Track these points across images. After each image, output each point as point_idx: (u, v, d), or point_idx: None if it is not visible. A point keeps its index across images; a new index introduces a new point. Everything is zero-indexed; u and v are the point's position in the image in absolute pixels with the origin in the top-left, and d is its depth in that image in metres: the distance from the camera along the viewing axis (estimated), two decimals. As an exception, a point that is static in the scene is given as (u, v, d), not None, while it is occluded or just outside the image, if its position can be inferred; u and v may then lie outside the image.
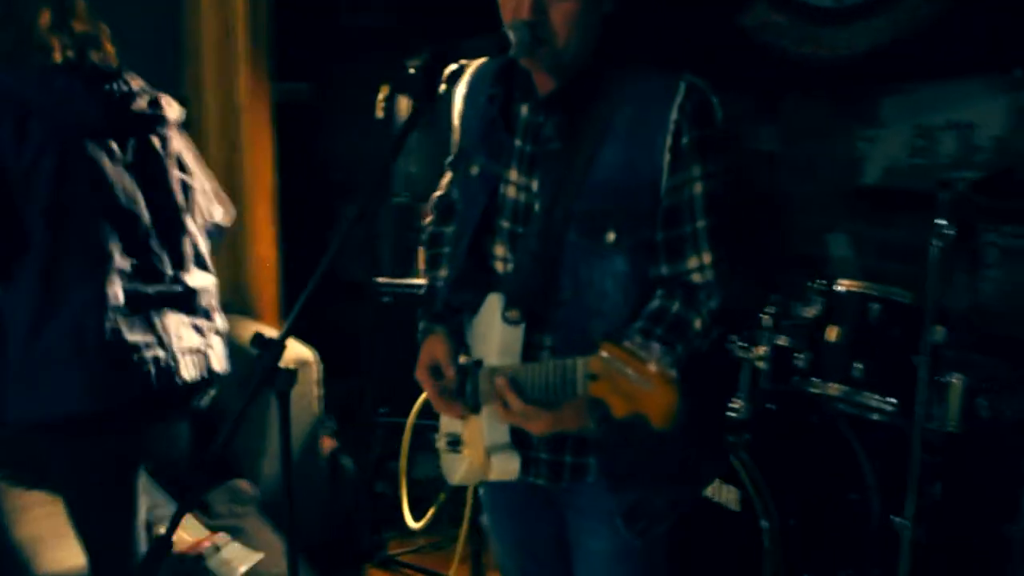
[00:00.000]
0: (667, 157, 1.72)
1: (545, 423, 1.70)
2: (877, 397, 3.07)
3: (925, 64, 4.07)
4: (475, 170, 1.91)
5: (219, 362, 2.55)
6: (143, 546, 2.44)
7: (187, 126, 2.56)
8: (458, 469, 2.02)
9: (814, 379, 3.19)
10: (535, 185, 1.81)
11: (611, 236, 1.74)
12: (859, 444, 3.33)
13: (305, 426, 3.41)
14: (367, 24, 4.23)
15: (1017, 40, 3.77)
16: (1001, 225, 3.63)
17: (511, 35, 1.68)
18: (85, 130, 2.26)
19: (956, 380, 3.05)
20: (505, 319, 1.81)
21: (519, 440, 1.88)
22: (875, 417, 3.15)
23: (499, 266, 1.90)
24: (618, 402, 1.43)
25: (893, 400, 3.05)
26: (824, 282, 3.23)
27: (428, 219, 2.20)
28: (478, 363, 1.90)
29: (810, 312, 3.22)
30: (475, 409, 1.91)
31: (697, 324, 1.79)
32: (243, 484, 3.32)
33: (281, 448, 1.94)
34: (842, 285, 3.18)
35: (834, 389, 3.14)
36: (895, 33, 4.01)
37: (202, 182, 2.60)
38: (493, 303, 1.86)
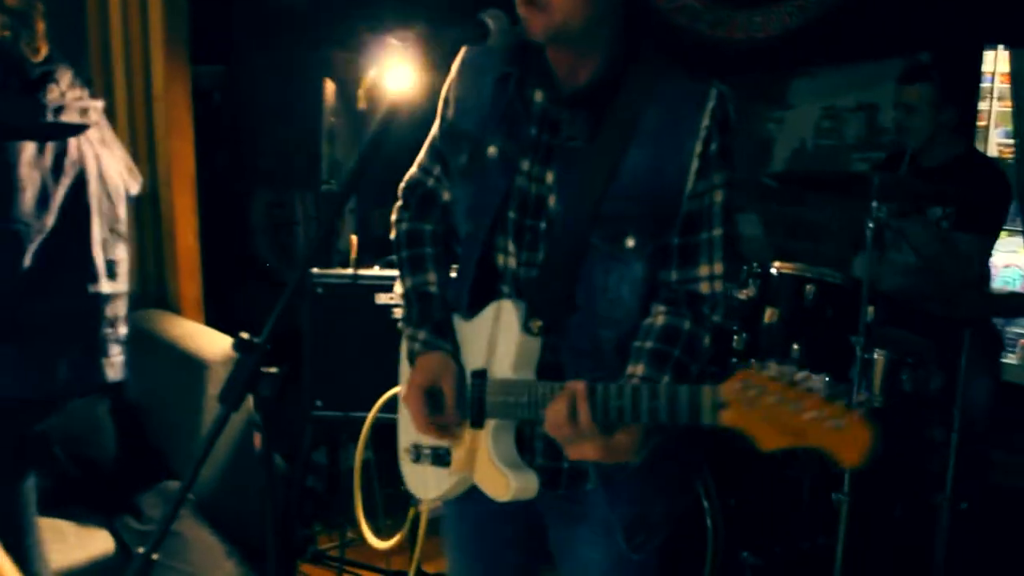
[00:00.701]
0: (695, 164, 1.71)
1: (594, 448, 1.60)
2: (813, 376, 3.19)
3: (835, 48, 4.23)
4: (492, 151, 1.80)
5: (113, 371, 2.57)
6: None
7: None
8: (439, 484, 1.93)
9: (752, 360, 3.30)
10: (550, 178, 1.76)
11: (631, 241, 1.72)
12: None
13: (239, 424, 3.35)
14: (287, 4, 4.14)
15: (924, 25, 3.95)
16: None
17: (490, 23, 1.67)
18: (8, 133, 2.23)
19: (879, 356, 3.21)
20: (527, 330, 1.75)
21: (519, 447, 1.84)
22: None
23: (501, 260, 1.83)
24: (770, 434, 1.37)
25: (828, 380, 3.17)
26: (757, 265, 3.33)
27: (397, 214, 2.02)
28: (480, 374, 1.82)
29: (745, 294, 3.33)
30: (476, 423, 1.82)
31: (706, 341, 1.77)
32: (174, 486, 3.25)
33: (263, 456, 1.90)
34: (776, 267, 3.29)
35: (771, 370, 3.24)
36: (806, 17, 4.17)
37: (119, 171, 2.58)
38: (507, 310, 1.79)
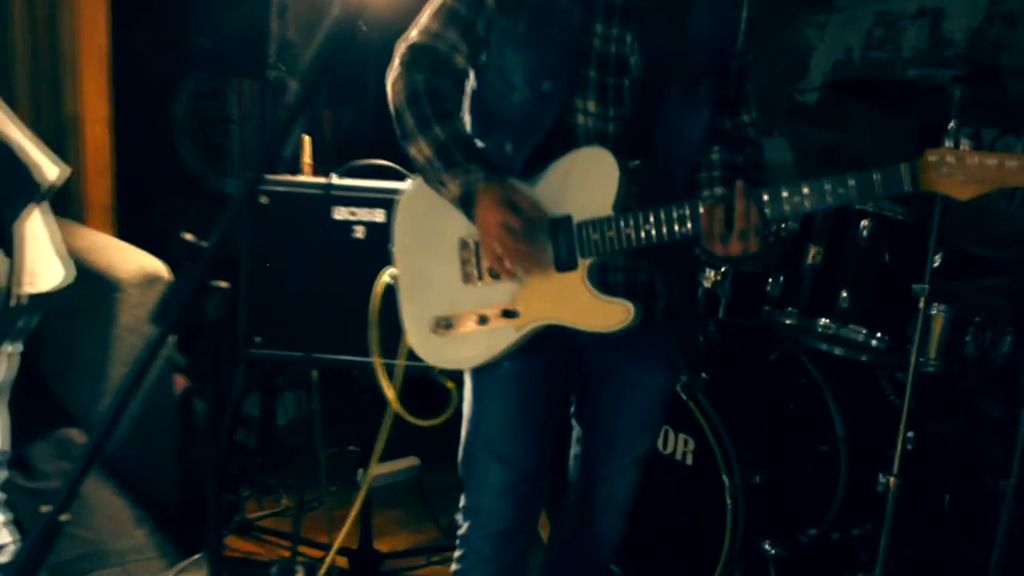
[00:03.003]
0: (743, 24, 2.25)
1: (755, 242, 2.02)
2: (864, 332, 2.99)
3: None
4: (569, 15, 2.11)
5: None
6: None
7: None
8: (495, 343, 2.19)
9: (790, 309, 3.10)
10: (629, 38, 2.14)
11: (703, 90, 2.20)
12: (827, 385, 3.28)
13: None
14: None
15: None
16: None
17: None
18: None
19: (938, 311, 3.03)
20: (624, 169, 2.07)
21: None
22: (863, 357, 3.10)
23: (581, 119, 2.16)
24: (966, 188, 1.89)
25: (884, 336, 2.98)
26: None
27: (408, 72, 2.20)
28: (562, 220, 2.12)
29: (783, 227, 3.11)
30: (567, 266, 2.12)
31: (753, 176, 2.19)
32: (75, 434, 3.01)
33: (212, 397, 1.69)
34: (825, 197, 3.06)
35: (816, 323, 3.05)
36: None
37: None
38: (594, 156, 2.10)
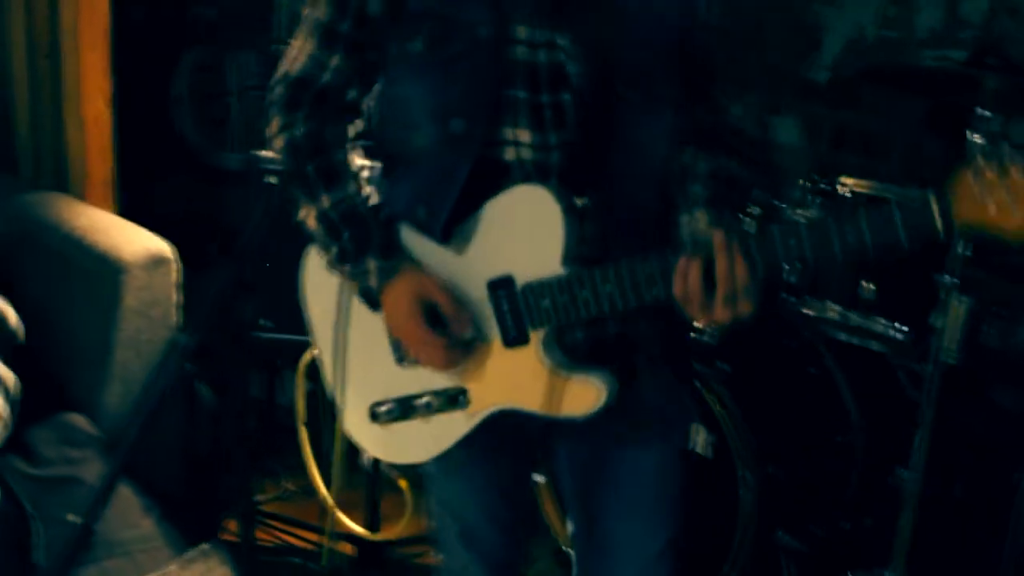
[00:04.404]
0: None
1: (747, 304, 1.61)
2: (883, 322, 2.99)
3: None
4: (484, 31, 1.68)
5: None
6: None
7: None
8: (446, 435, 1.85)
9: (809, 298, 3.08)
10: (563, 40, 1.69)
11: (662, 87, 1.77)
12: (842, 376, 3.27)
13: (158, 344, 3.05)
14: None
15: None
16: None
17: None
18: None
19: (959, 303, 3.01)
20: (569, 212, 1.68)
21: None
22: (880, 347, 3.09)
23: (511, 153, 1.73)
24: (1013, 219, 1.45)
25: (903, 328, 2.98)
26: (822, 179, 3.10)
27: (284, 117, 1.81)
28: (503, 283, 1.75)
29: (805, 216, 3.09)
30: (516, 340, 1.76)
31: (749, 182, 1.93)
32: (78, 420, 2.96)
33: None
34: (847, 185, 3.05)
35: (834, 312, 3.04)
36: None
37: None
38: (531, 198, 1.70)
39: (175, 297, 3.09)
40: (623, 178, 1.75)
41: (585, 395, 1.73)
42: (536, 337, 1.74)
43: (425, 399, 1.84)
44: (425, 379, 1.83)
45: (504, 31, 1.67)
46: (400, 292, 1.75)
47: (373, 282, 1.76)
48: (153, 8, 3.87)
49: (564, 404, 1.75)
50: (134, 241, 3.00)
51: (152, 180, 3.94)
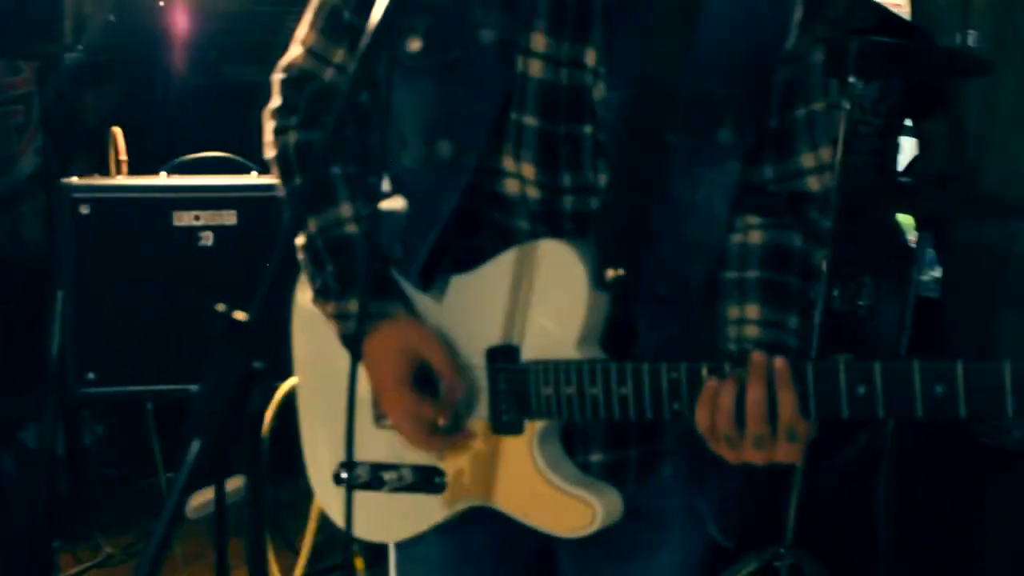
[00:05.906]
0: (799, 11, 1.41)
1: (790, 450, 1.30)
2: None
3: None
4: (488, 36, 1.40)
5: None
6: None
7: None
8: (420, 519, 1.56)
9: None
10: (591, 58, 1.39)
11: (726, 132, 1.42)
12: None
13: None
14: None
15: None
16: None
17: None
18: None
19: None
20: (598, 283, 1.39)
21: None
22: None
23: (513, 186, 1.45)
24: None
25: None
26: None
27: (278, 120, 1.58)
28: (502, 354, 1.46)
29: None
30: (508, 428, 1.47)
31: (821, 262, 1.62)
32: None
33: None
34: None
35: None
36: None
37: None
38: (552, 257, 1.42)
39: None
40: (666, 246, 1.44)
41: (576, 513, 1.46)
42: (532, 429, 1.46)
43: (397, 472, 1.56)
44: (400, 448, 1.53)
45: (515, 38, 1.40)
46: (387, 343, 1.47)
47: (350, 328, 1.48)
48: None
49: (549, 517, 1.49)
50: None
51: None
